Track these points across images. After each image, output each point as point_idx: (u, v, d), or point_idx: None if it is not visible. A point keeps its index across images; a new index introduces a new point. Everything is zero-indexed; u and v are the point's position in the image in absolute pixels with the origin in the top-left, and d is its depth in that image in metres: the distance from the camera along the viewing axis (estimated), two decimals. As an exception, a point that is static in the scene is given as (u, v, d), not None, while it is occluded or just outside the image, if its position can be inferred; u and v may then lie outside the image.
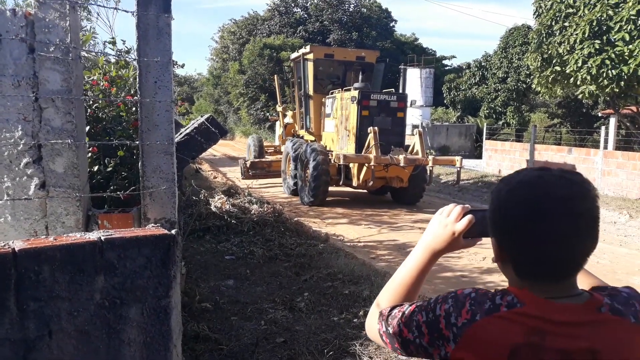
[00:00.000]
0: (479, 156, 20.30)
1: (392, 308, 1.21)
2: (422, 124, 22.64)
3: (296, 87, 13.32)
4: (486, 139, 17.01)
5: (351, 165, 10.23)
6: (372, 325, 1.25)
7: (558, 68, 13.68)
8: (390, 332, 1.18)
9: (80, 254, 1.58)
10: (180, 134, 2.13)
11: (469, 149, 24.54)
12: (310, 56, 12.04)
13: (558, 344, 1.01)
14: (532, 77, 15.99)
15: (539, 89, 15.14)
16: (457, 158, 10.56)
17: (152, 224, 1.82)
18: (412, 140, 10.67)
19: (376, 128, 9.92)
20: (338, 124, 11.24)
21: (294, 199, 11.34)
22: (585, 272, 1.26)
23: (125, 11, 1.63)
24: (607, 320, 1.03)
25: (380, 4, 39.89)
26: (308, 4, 38.17)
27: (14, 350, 1.51)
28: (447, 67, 39.76)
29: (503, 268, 1.14)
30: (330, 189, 10.92)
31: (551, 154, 13.66)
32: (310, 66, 12.13)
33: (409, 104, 15.11)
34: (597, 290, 1.09)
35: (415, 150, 10.32)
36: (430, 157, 10.10)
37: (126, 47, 4.91)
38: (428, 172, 10.34)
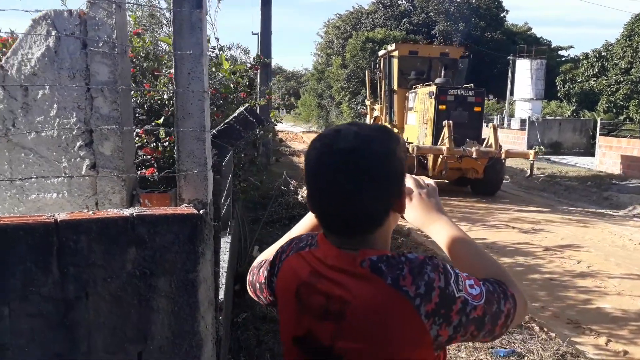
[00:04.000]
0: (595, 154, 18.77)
1: (262, 260, 1.29)
2: (529, 118, 21.35)
3: (383, 82, 13.95)
4: (600, 134, 15.64)
5: (428, 156, 10.79)
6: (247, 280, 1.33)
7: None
8: (253, 279, 1.27)
9: (113, 227, 1.76)
10: (225, 123, 2.27)
11: (584, 145, 22.69)
12: (396, 53, 12.82)
13: (325, 286, 1.02)
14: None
15: (664, 79, 13.64)
16: (531, 151, 10.82)
17: (186, 204, 1.97)
18: (488, 133, 11.02)
19: (450, 122, 10.39)
20: (418, 117, 11.74)
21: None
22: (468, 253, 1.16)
23: (160, 9, 1.79)
24: (363, 275, 0.99)
25: (491, -7, 38.13)
26: (414, -4, 37.53)
27: (57, 307, 1.73)
28: (564, 58, 37.08)
29: None
30: None
31: (676, 152, 12.28)
32: (395, 63, 12.87)
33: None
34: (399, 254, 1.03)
35: (489, 143, 10.65)
36: (503, 150, 10.40)
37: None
38: (503, 164, 10.78)
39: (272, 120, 8.46)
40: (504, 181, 11.77)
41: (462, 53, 13.24)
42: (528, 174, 11.43)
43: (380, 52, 14.68)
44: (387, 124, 13.39)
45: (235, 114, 2.22)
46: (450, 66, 12.58)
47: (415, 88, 12.23)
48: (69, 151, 1.97)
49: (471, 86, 11.62)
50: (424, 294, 0.96)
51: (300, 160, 15.53)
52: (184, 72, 1.92)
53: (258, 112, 8.85)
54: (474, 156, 10.15)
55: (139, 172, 2.53)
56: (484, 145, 10.65)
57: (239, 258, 4.55)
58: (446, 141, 10.32)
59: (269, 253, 1.30)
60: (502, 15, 38.53)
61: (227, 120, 2.23)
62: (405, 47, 13.42)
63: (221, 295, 2.80)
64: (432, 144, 10.78)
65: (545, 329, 4.20)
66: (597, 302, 5.10)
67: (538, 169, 14.90)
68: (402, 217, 1.25)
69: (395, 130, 12.84)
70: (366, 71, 17.11)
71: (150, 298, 1.84)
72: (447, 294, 0.97)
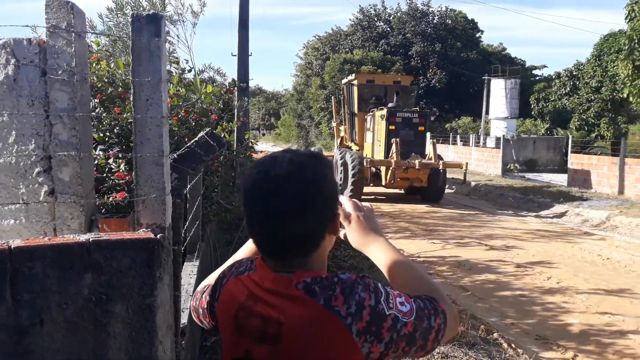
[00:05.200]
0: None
1: (206, 285, 1.31)
2: (504, 136, 21.75)
3: (346, 106, 16.20)
4: (572, 152, 16.00)
5: (382, 169, 12.99)
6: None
7: (652, 76, 12.67)
8: (197, 304, 1.30)
9: (69, 253, 1.77)
10: (186, 147, 2.31)
11: (558, 163, 23.12)
12: (355, 82, 15.09)
13: (262, 309, 1.05)
14: (622, 86, 14.85)
15: (631, 99, 14.07)
16: (464, 162, 13.17)
17: (144, 229, 1.99)
18: (429, 148, 13.25)
19: (398, 139, 12.46)
20: (374, 136, 14.00)
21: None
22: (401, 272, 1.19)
23: (118, 37, 1.83)
24: (298, 297, 1.02)
25: (466, 15, 39.05)
26: (391, 18, 38.20)
27: (10, 335, 1.72)
28: (538, 77, 37.98)
29: None
30: (373, 190, 14.22)
31: (643, 169, 12.61)
32: (355, 90, 15.10)
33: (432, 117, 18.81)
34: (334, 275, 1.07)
35: (430, 157, 12.83)
36: (441, 162, 12.55)
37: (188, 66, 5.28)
38: (442, 174, 12.88)
39: (249, 141, 8.50)
40: (449, 192, 13.75)
41: (412, 80, 16.01)
42: (462, 181, 13.94)
43: (344, 80, 16.72)
44: (350, 143, 15.96)
45: (196, 139, 2.26)
46: (402, 92, 14.78)
47: (372, 111, 14.34)
48: (27, 177, 1.99)
49: (416, 109, 14.23)
50: (354, 313, 1.00)
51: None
52: (143, 99, 1.96)
53: (235, 133, 8.90)
54: (417, 167, 12.25)
55: (110, 197, 2.55)
56: (426, 159, 12.78)
57: (210, 280, 4.53)
58: (394, 155, 12.36)
59: (212, 278, 1.33)
60: (477, 35, 39.44)
61: (188, 145, 2.27)
62: (364, 77, 16.06)
63: (185, 319, 2.80)
64: (384, 159, 12.87)
65: (513, 345, 4.26)
66: (566, 317, 5.19)
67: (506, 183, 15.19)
68: (344, 238, 1.31)
69: (357, 148, 14.94)
70: (332, 97, 19.60)
71: (106, 323, 1.85)
72: (378, 312, 1.01)
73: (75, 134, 1.98)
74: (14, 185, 1.98)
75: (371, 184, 13.54)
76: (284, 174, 1.02)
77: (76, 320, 1.80)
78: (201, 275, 3.71)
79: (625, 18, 14.18)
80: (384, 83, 15.49)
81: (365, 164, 12.75)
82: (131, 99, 2.12)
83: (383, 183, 13.17)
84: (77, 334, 1.81)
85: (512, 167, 20.63)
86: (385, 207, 12.33)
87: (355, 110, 15.37)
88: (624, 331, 4.88)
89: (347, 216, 1.26)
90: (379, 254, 1.24)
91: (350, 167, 12.75)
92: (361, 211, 1.28)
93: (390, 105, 13.68)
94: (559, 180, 17.22)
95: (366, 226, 1.26)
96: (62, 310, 1.78)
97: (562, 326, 4.98)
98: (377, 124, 13.72)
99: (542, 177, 19.22)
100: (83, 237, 1.81)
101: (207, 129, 2.27)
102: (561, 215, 11.81)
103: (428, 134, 14.86)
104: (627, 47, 13.68)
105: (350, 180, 12.66)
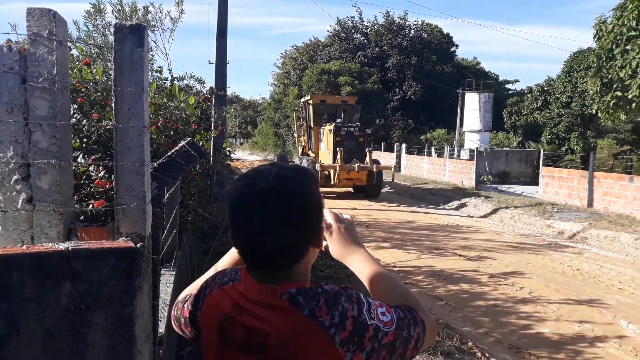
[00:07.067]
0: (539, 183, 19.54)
1: (187, 295, 1.31)
2: (477, 148, 22.12)
3: (304, 121, 20.12)
4: (543, 165, 16.37)
5: (331, 171, 16.35)
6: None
7: (619, 93, 13.08)
8: (178, 314, 1.30)
9: (47, 262, 1.75)
10: (166, 157, 2.31)
11: (530, 175, 23.62)
12: (311, 101, 19.06)
13: (247, 320, 1.07)
14: (591, 102, 15.29)
15: (599, 114, 14.50)
16: (392, 165, 17.78)
17: (123, 238, 1.99)
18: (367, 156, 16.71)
19: (342, 148, 16.26)
20: (325, 146, 17.89)
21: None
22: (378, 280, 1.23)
23: (100, 47, 1.83)
24: (283, 307, 1.05)
25: (441, 29, 39.72)
26: (368, 30, 38.63)
27: (-15, 345, 1.69)
28: (510, 91, 38.82)
29: None
30: (325, 190, 17.06)
31: (611, 182, 12.96)
32: (310, 108, 19.04)
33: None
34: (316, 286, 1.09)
35: (367, 162, 16.45)
36: (375, 165, 16.28)
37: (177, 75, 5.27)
38: (376, 175, 16.59)
39: (226, 150, 8.48)
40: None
41: (356, 100, 20.10)
42: (391, 181, 17.83)
43: (302, 99, 20.87)
44: (308, 151, 19.64)
45: (177, 148, 2.26)
46: (348, 110, 18.78)
47: (324, 126, 18.25)
48: (4, 185, 1.96)
49: (358, 124, 17.94)
50: (338, 323, 1.02)
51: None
52: (124, 108, 1.97)
53: (212, 142, 8.86)
54: (356, 170, 15.95)
55: (90, 205, 2.52)
56: (364, 163, 16.33)
57: (186, 290, 4.49)
58: (339, 161, 16.06)
59: (193, 287, 1.33)
60: (452, 49, 40.12)
61: (168, 154, 2.28)
62: (318, 97, 20.17)
63: (162, 329, 2.78)
64: (332, 163, 16.44)
65: (487, 354, 4.34)
66: (537, 327, 5.30)
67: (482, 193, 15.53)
68: (325, 249, 1.33)
69: (314, 155, 18.10)
70: (294, 112, 24.08)
71: (85, 333, 1.83)
72: (360, 322, 1.04)
73: (55, 142, 1.97)
74: (-10, 192, 1.96)
75: (324, 185, 16.51)
76: (269, 188, 1.04)
77: (54, 330, 1.78)
78: (178, 285, 3.68)
79: (594, 37, 14.64)
80: (334, 102, 19.50)
81: (317, 168, 15.79)
82: (112, 106, 2.12)
83: (332, 183, 16.49)
84: (54, 344, 1.79)
85: (485, 179, 21.01)
86: (361, 217, 12.41)
87: (312, 124, 19.08)
88: (593, 340, 5.01)
89: (328, 227, 1.29)
90: (360, 265, 1.27)
91: None
92: (342, 223, 1.31)
93: (338, 121, 17.58)
94: (531, 192, 17.57)
95: (347, 237, 1.29)
96: (39, 320, 1.76)
97: (534, 335, 5.08)
98: (327, 136, 17.63)
99: (515, 188, 19.59)
100: (62, 246, 1.79)
101: (188, 139, 2.28)
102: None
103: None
104: (595, 64, 14.11)
105: None
